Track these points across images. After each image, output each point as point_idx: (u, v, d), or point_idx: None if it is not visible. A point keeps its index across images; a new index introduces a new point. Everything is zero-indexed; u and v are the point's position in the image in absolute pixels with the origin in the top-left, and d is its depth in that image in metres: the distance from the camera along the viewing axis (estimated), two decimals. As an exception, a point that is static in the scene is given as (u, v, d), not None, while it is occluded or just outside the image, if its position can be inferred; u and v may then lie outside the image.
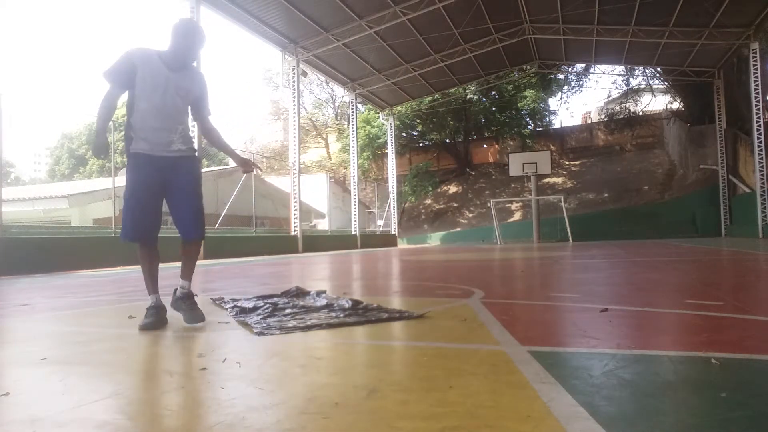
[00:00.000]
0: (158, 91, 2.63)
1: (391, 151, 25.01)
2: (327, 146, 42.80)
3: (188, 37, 2.66)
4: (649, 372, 1.58)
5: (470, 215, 32.61)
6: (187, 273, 2.77)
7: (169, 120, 2.68)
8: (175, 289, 2.76)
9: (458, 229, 30.81)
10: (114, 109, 2.70)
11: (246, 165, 3.01)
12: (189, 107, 2.82)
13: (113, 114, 2.73)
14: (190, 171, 2.76)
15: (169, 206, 2.73)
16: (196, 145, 2.89)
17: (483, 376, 1.58)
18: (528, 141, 34.04)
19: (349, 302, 3.04)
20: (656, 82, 29.48)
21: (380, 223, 28.92)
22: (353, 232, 22.57)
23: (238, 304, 3.20)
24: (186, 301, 2.69)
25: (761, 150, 16.83)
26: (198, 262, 11.83)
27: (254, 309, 3.03)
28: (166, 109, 2.66)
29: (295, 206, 17.67)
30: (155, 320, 2.62)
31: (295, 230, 17.66)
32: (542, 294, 3.79)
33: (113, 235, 11.35)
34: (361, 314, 2.79)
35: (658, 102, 31.15)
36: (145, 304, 2.79)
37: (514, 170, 23.04)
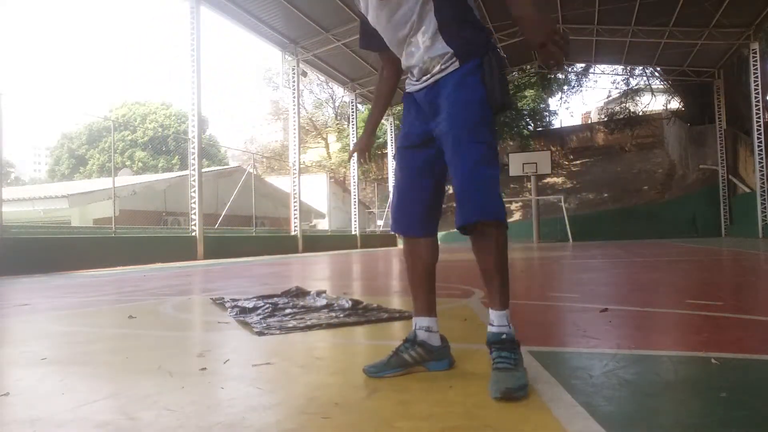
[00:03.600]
0: (375, 14, 1.63)
1: (391, 151, 25.02)
2: (327, 146, 42.81)
3: None
4: (649, 372, 1.58)
5: (470, 215, 32.56)
6: (490, 295, 1.58)
7: (396, 34, 1.62)
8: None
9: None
10: (389, 92, 1.91)
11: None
12: (419, 10, 1.53)
13: (387, 100, 1.93)
14: (450, 100, 1.54)
15: None
16: (454, 42, 1.54)
17: (483, 376, 1.58)
18: (528, 141, 34.06)
19: (349, 302, 3.04)
20: (656, 82, 29.48)
21: (380, 223, 28.94)
22: (353, 232, 22.57)
23: (238, 304, 3.19)
24: (495, 346, 1.52)
25: (761, 150, 16.83)
26: (198, 262, 11.71)
27: (254, 309, 3.02)
28: (390, 27, 1.61)
29: (295, 206, 17.67)
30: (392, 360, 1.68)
31: (295, 230, 17.66)
32: (542, 294, 3.79)
33: (113, 235, 11.36)
34: (361, 314, 2.79)
35: (658, 102, 31.17)
36: (144, 304, 2.78)
37: (514, 170, 23.04)
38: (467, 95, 1.50)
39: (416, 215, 1.73)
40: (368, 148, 2.03)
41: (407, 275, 1.82)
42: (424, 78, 1.61)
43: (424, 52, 1.57)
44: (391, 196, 1.70)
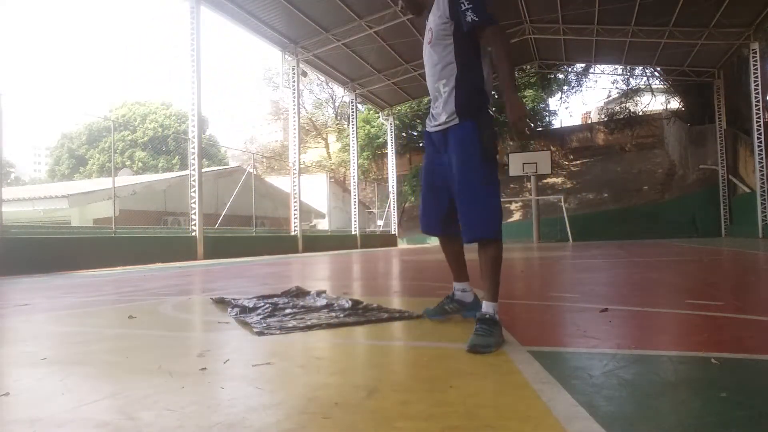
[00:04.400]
0: (425, 60, 2.16)
1: (391, 151, 25.02)
2: (327, 146, 42.81)
3: None
4: (649, 372, 1.58)
5: (470, 215, 32.55)
6: (484, 287, 2.08)
7: (431, 84, 2.14)
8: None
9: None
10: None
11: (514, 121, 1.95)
12: (452, 46, 2.03)
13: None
14: (456, 148, 2.04)
15: None
16: (461, 107, 2.05)
17: (483, 376, 1.58)
18: (528, 141, 34.03)
19: (349, 302, 3.03)
20: (656, 82, 29.48)
21: (380, 223, 28.94)
22: (353, 232, 22.57)
23: (238, 304, 3.19)
24: (479, 322, 1.99)
25: (761, 150, 16.83)
26: (198, 262, 11.74)
27: (254, 309, 3.02)
28: (427, 73, 2.15)
29: (295, 206, 17.67)
30: (435, 308, 2.50)
31: (295, 230, 17.67)
32: (542, 294, 3.79)
33: (113, 235, 11.36)
34: (361, 314, 2.79)
35: (657, 102, 31.17)
36: (144, 304, 2.78)
37: (514, 170, 23.04)
38: (469, 151, 2.01)
39: (436, 220, 2.30)
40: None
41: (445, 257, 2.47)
42: (436, 124, 2.13)
43: (443, 104, 2.08)
44: (419, 200, 2.38)
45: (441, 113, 2.10)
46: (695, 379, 1.52)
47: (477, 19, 1.91)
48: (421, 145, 37.21)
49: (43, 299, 4.35)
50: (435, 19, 2.07)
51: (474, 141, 2.00)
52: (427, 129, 2.21)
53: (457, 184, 2.03)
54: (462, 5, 1.93)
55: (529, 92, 33.44)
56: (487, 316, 1.98)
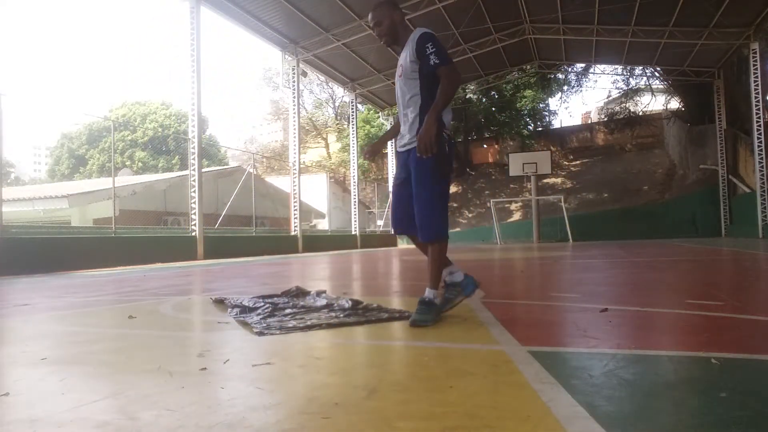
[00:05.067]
0: (397, 89, 2.62)
1: (390, 151, 25.00)
2: (327, 146, 42.81)
3: (371, 15, 2.61)
4: (649, 372, 1.58)
5: (470, 215, 32.61)
6: (428, 277, 2.54)
7: (400, 110, 2.61)
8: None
9: (458, 229, 30.81)
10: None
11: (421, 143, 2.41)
12: (418, 82, 2.50)
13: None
14: (415, 165, 2.49)
15: None
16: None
17: (483, 376, 1.58)
18: (528, 141, 34.04)
19: (349, 302, 3.03)
20: (656, 82, 29.48)
21: (380, 223, 28.94)
22: (353, 232, 22.57)
23: (238, 304, 3.19)
24: (419, 304, 2.49)
25: (761, 150, 16.83)
26: (198, 262, 11.70)
27: (254, 309, 3.02)
28: (397, 100, 2.62)
29: (295, 206, 17.67)
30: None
31: (295, 230, 17.66)
32: (542, 294, 3.79)
33: (113, 235, 11.36)
34: (361, 314, 2.79)
35: (657, 102, 31.16)
36: (144, 304, 2.78)
37: (514, 170, 23.04)
38: (425, 167, 2.44)
39: (406, 223, 2.65)
40: (378, 153, 2.94)
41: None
42: (403, 143, 2.59)
43: (408, 128, 2.54)
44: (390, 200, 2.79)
45: (406, 135, 2.56)
46: (695, 379, 1.52)
47: (438, 61, 2.41)
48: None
49: (43, 299, 4.35)
50: (406, 58, 2.50)
51: (429, 162, 2.43)
52: (397, 148, 2.66)
53: (415, 197, 2.50)
54: (427, 49, 2.41)
55: (529, 92, 33.45)
56: (427, 299, 2.48)
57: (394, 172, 2.70)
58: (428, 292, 2.49)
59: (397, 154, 2.68)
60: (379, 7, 2.59)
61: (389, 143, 2.94)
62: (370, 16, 2.63)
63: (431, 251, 2.53)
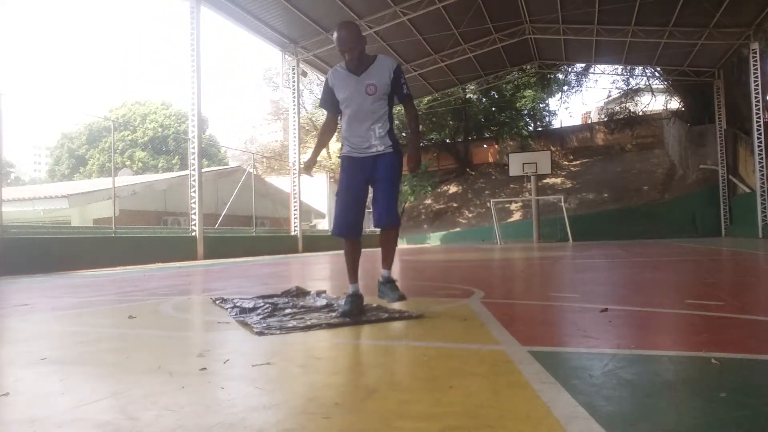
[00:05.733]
0: (351, 98, 2.87)
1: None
2: (327, 146, 42.74)
3: (338, 40, 2.78)
4: (649, 372, 1.58)
5: (470, 215, 32.60)
6: (386, 262, 2.97)
7: (364, 123, 2.88)
8: (379, 279, 2.99)
9: (458, 229, 30.81)
10: (330, 134, 3.12)
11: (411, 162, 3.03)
12: (386, 102, 2.91)
13: (329, 138, 3.16)
14: (387, 166, 2.91)
15: (372, 201, 2.98)
16: (393, 142, 2.98)
17: (483, 376, 1.58)
18: (528, 141, 34.02)
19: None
20: (656, 82, 29.46)
21: (380, 223, 28.79)
22: (353, 232, 22.53)
23: (238, 304, 3.20)
24: (386, 285, 2.91)
25: (761, 150, 16.83)
26: (198, 262, 11.70)
27: (254, 309, 3.03)
28: (360, 113, 2.88)
29: (295, 206, 17.67)
30: (352, 307, 2.79)
31: (295, 230, 17.66)
32: (542, 294, 3.79)
33: (113, 235, 11.36)
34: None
35: (657, 102, 31.14)
36: (144, 304, 2.78)
37: (514, 170, 23.03)
38: (396, 168, 2.94)
39: (355, 228, 2.99)
40: (313, 166, 3.24)
41: (346, 259, 3.05)
42: (371, 151, 2.89)
43: (379, 139, 2.89)
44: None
45: (377, 144, 2.90)
46: (695, 379, 1.52)
47: (407, 92, 2.92)
48: (421, 144, 37.19)
49: (43, 299, 4.35)
50: (381, 81, 2.84)
51: (397, 163, 2.95)
52: (352, 156, 2.93)
53: (385, 192, 2.90)
54: (401, 80, 2.89)
55: (528, 92, 33.41)
56: (391, 278, 2.94)
57: (347, 177, 2.92)
58: (385, 272, 2.94)
59: (357, 159, 2.91)
60: (353, 31, 2.81)
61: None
62: (343, 36, 2.76)
63: (393, 235, 3.01)
